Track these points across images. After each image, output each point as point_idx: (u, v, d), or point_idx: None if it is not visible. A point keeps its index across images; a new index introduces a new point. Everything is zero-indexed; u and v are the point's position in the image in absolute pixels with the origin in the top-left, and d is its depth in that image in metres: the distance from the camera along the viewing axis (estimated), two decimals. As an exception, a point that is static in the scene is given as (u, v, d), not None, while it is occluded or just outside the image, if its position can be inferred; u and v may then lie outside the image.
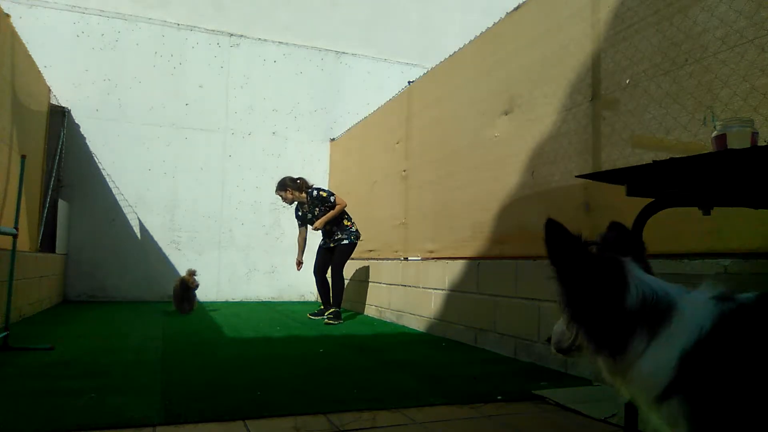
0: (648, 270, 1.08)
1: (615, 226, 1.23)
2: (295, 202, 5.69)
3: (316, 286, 5.92)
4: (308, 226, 5.73)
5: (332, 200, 5.54)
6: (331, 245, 5.66)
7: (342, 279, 5.58)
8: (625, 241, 1.16)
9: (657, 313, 0.97)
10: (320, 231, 5.65)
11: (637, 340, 0.97)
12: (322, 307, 5.76)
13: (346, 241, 5.58)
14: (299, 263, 5.79)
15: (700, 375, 0.91)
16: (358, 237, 5.66)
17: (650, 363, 0.96)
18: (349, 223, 5.68)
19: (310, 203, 5.57)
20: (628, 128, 3.01)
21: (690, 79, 2.65)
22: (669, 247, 2.63)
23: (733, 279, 2.32)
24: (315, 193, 5.53)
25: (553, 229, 1.10)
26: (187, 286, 5.85)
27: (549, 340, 1.19)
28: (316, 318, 5.62)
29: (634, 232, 1.80)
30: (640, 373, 0.97)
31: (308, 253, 5.90)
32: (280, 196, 5.61)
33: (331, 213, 5.51)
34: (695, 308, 0.97)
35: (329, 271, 5.67)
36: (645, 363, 0.97)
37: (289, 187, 5.55)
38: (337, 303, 5.51)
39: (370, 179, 6.63)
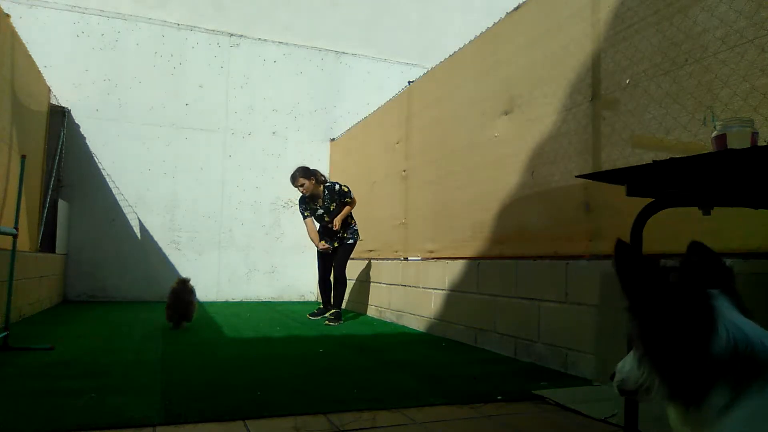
0: (739, 304, 0.91)
1: (697, 249, 1.01)
2: (301, 195, 5.48)
3: (317, 286, 5.81)
4: (322, 220, 5.53)
5: (352, 196, 5.46)
6: (335, 244, 5.53)
7: (345, 279, 5.51)
8: (710, 267, 0.97)
9: (750, 367, 0.80)
10: (323, 228, 5.50)
11: (719, 394, 0.81)
12: (321, 306, 5.71)
13: (351, 241, 5.49)
14: (326, 246, 5.44)
15: None
16: (358, 237, 5.63)
17: (738, 426, 0.79)
18: (353, 222, 5.60)
19: (327, 197, 5.40)
20: (628, 128, 3.01)
21: (690, 79, 2.65)
22: (669, 247, 2.62)
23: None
24: (337, 187, 5.40)
25: (626, 252, 0.96)
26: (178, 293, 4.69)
27: (612, 377, 1.05)
28: (315, 318, 5.57)
29: (635, 233, 1.80)
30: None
31: (307, 254, 5.91)
32: (302, 184, 5.32)
33: (348, 209, 5.42)
34: None
35: (332, 271, 5.58)
36: (731, 425, 0.79)
37: (313, 176, 5.38)
38: (338, 304, 5.44)
39: (370, 179, 6.63)
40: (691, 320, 0.86)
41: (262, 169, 8.03)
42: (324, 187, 5.42)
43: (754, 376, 0.79)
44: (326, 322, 5.28)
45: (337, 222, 5.32)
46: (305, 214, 5.49)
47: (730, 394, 0.80)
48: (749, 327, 0.85)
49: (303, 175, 5.35)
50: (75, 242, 7.02)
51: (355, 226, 5.60)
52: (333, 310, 5.40)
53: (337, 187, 5.40)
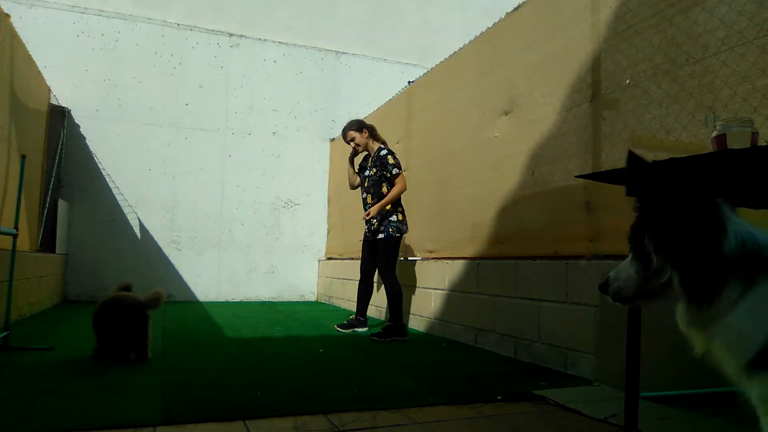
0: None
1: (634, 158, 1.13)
2: (361, 154, 4.74)
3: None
4: (361, 189, 4.72)
5: (394, 172, 4.43)
6: (370, 239, 4.56)
7: (394, 286, 4.40)
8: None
9: (757, 262, 0.87)
10: (364, 202, 4.65)
11: (729, 290, 0.87)
12: (352, 317, 4.77)
13: (381, 236, 4.43)
14: (368, 215, 4.44)
15: None
16: (399, 231, 4.46)
17: (744, 319, 0.86)
18: (393, 211, 4.48)
19: (374, 159, 4.56)
20: (628, 128, 3.01)
21: (690, 80, 2.65)
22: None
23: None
24: (383, 152, 4.51)
25: (638, 162, 1.05)
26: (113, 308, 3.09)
27: (603, 287, 1.09)
28: (344, 331, 4.64)
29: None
30: (728, 327, 0.87)
31: (308, 254, 5.78)
32: (353, 138, 4.60)
33: (390, 196, 4.41)
34: None
35: (376, 273, 4.69)
36: (738, 318, 0.86)
37: (366, 129, 4.61)
38: (396, 316, 4.37)
39: (370, 179, 6.62)
40: (706, 223, 0.93)
41: (262, 169, 8.03)
42: (378, 147, 4.59)
43: (762, 269, 0.85)
44: (372, 337, 4.31)
45: (373, 211, 4.37)
46: (357, 168, 4.79)
47: (741, 289, 0.86)
48: (754, 229, 0.93)
49: (353, 127, 4.62)
50: (75, 242, 7.02)
51: (393, 216, 4.45)
52: (387, 324, 4.48)
53: (383, 152, 4.51)
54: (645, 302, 1.06)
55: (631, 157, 1.07)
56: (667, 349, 1.97)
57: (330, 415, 2.17)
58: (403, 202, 4.64)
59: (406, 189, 4.54)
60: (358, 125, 4.64)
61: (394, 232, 4.43)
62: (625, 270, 1.07)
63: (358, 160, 4.91)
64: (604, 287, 1.10)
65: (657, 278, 0.99)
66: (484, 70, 4.43)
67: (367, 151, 4.66)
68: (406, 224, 4.59)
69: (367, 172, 4.62)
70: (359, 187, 4.80)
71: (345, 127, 4.71)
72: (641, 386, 1.87)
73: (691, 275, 0.93)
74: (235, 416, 2.11)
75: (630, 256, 1.08)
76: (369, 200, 4.57)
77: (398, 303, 4.40)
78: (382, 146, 4.59)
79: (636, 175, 1.04)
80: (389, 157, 4.47)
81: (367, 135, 4.61)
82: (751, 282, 0.86)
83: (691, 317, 0.95)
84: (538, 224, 3.66)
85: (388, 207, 4.43)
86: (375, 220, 4.45)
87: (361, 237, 4.77)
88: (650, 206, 1.02)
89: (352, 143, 4.64)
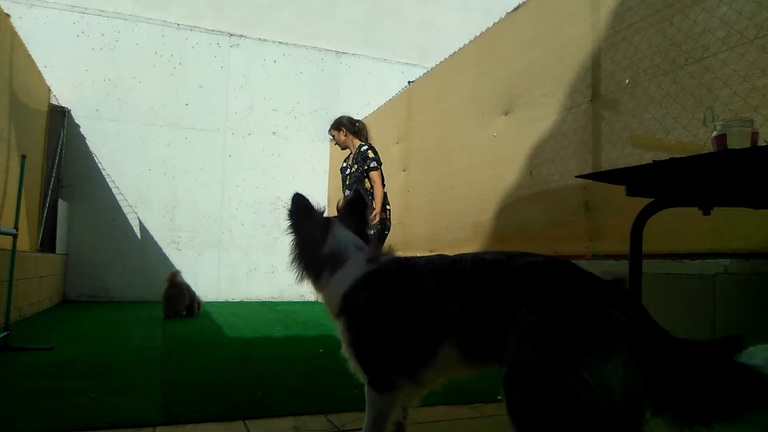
0: (361, 227, 1.73)
1: (354, 197, 1.80)
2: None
3: None
4: (344, 187, 4.48)
5: (372, 165, 4.24)
6: None
7: None
8: (356, 207, 1.77)
9: (336, 261, 1.61)
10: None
11: (325, 274, 1.62)
12: None
13: (371, 232, 4.25)
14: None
15: (352, 304, 1.52)
16: (387, 228, 4.32)
17: (329, 293, 1.60)
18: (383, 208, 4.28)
19: (355, 155, 4.38)
20: (628, 128, 3.01)
21: (690, 79, 2.65)
22: (669, 247, 2.63)
23: (733, 279, 2.32)
24: (364, 147, 4.33)
25: (298, 200, 1.72)
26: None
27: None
28: None
29: (635, 233, 1.80)
30: (326, 296, 1.62)
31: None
32: (332, 136, 4.58)
33: (378, 193, 4.21)
34: (356, 263, 1.58)
35: None
36: (327, 291, 1.61)
37: (344, 127, 4.44)
38: None
39: (370, 179, 6.63)
40: (316, 235, 1.67)
41: (262, 169, 8.03)
42: (359, 145, 4.40)
43: (340, 264, 1.60)
44: None
45: (376, 212, 4.15)
46: (342, 165, 4.61)
47: (330, 273, 1.61)
48: (346, 238, 1.66)
49: (333, 125, 4.53)
50: (75, 242, 7.02)
51: (383, 212, 4.26)
52: None
53: (363, 147, 4.33)
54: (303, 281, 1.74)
55: (296, 197, 1.73)
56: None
57: (330, 415, 2.17)
58: (402, 200, 4.60)
59: (385, 184, 4.37)
60: (336, 124, 4.54)
61: (383, 228, 4.28)
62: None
63: (341, 156, 4.70)
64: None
65: (299, 270, 1.72)
66: (484, 70, 4.43)
67: (348, 148, 4.52)
68: (390, 222, 4.45)
69: (347, 171, 4.46)
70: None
71: (335, 122, 4.59)
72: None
73: (308, 264, 1.68)
74: (235, 416, 2.11)
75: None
76: None
77: None
78: (364, 143, 4.42)
79: (293, 208, 1.72)
80: (369, 151, 4.32)
81: (345, 133, 4.48)
82: (333, 272, 1.60)
83: (315, 287, 1.68)
84: (538, 224, 3.66)
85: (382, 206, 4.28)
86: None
87: None
88: (295, 228, 1.73)
89: (337, 143, 4.60)
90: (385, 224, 4.29)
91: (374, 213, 4.16)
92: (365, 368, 1.50)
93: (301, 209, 1.71)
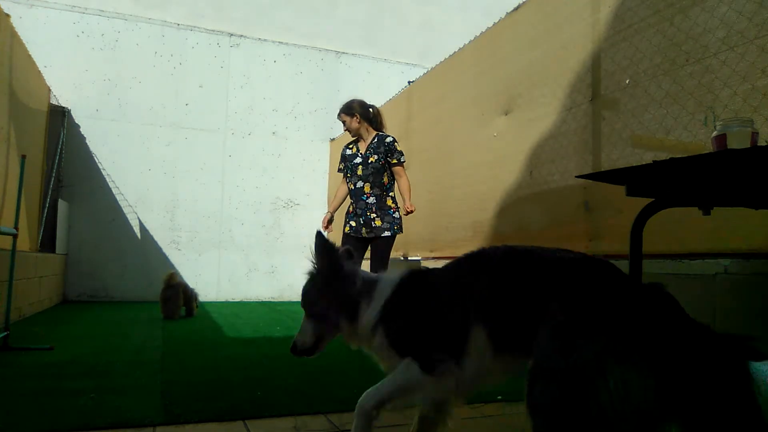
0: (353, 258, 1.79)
1: (321, 239, 1.74)
2: (345, 145, 4.23)
3: None
4: (353, 177, 4.04)
5: (402, 160, 3.95)
6: (365, 235, 3.93)
7: None
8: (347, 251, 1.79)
9: (370, 290, 1.64)
10: (355, 197, 4.01)
11: (362, 306, 1.62)
12: None
13: (387, 233, 3.90)
14: (328, 222, 4.13)
15: (387, 311, 1.57)
16: (401, 228, 4.05)
17: (367, 318, 1.61)
18: (394, 206, 4.01)
19: (373, 145, 4.00)
20: (628, 128, 3.01)
21: (690, 80, 2.65)
22: (669, 247, 2.63)
23: (733, 279, 2.32)
24: (389, 138, 4.00)
25: (321, 241, 1.70)
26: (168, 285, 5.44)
27: (294, 350, 1.74)
28: None
29: (635, 233, 1.80)
30: (364, 326, 1.61)
31: (308, 254, 5.79)
32: (344, 121, 4.12)
33: (407, 187, 3.97)
34: (385, 283, 1.64)
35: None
36: (365, 319, 1.61)
37: (357, 113, 4.05)
38: None
39: (370, 179, 6.63)
40: (345, 282, 1.67)
41: (262, 169, 8.03)
42: (376, 134, 4.06)
43: (372, 292, 1.63)
44: None
45: (409, 205, 3.91)
46: (339, 167, 4.19)
47: (367, 303, 1.62)
48: (366, 273, 1.72)
49: (344, 110, 4.11)
50: (75, 242, 7.02)
51: (396, 212, 3.98)
52: None
53: (389, 138, 3.99)
54: (322, 346, 1.73)
55: (319, 236, 1.70)
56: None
57: (330, 415, 2.17)
58: (402, 200, 4.11)
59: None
60: (347, 108, 4.11)
61: (398, 230, 3.99)
62: (305, 329, 1.72)
63: (342, 142, 4.41)
64: (294, 349, 1.75)
65: (329, 325, 1.69)
66: (484, 70, 4.43)
67: (359, 136, 4.10)
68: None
69: (359, 159, 4.05)
70: (348, 182, 4.14)
71: (345, 106, 4.16)
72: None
73: (342, 307, 1.65)
74: (235, 416, 2.11)
75: (304, 317, 1.73)
76: (367, 189, 3.97)
77: None
78: (387, 134, 4.09)
79: (317, 250, 1.69)
80: (397, 144, 4.01)
81: (358, 119, 4.05)
82: (371, 298, 1.62)
83: (349, 333, 1.67)
84: (538, 223, 3.66)
85: (390, 202, 4.01)
86: (375, 216, 3.94)
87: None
88: (321, 277, 1.70)
89: (343, 127, 4.19)
90: (400, 225, 4.05)
91: (408, 206, 3.93)
92: (410, 352, 1.51)
93: (325, 249, 1.69)
